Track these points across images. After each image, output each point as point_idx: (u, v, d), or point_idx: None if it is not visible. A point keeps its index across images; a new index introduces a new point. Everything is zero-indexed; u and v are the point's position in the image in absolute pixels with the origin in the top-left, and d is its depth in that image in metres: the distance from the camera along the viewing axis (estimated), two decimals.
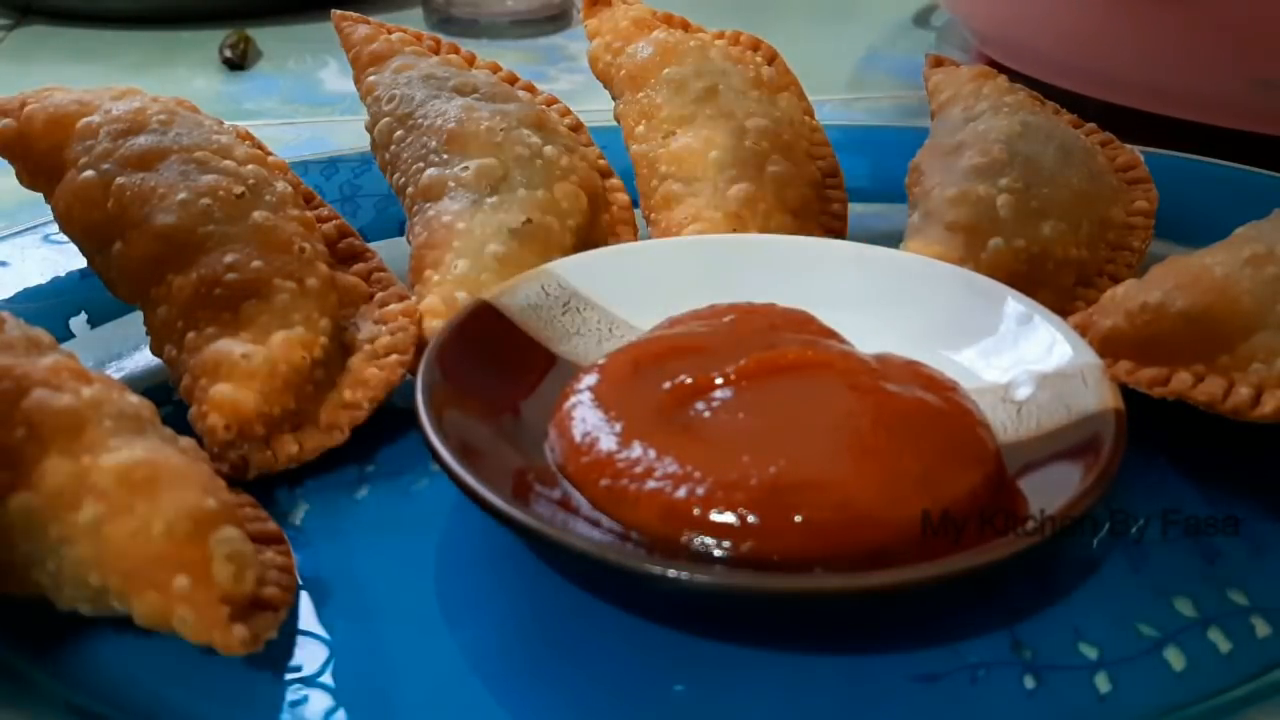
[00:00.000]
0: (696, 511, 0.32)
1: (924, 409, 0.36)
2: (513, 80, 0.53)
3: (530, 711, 0.32)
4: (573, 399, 0.37)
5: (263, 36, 0.92)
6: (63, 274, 0.50)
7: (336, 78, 0.85)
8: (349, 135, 0.70)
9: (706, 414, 0.36)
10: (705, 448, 0.34)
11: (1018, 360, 0.40)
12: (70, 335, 0.47)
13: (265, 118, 0.78)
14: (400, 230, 0.49)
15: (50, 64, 0.91)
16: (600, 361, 0.39)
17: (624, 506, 0.33)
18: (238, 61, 0.88)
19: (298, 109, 0.81)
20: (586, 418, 0.36)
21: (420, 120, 0.49)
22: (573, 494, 0.35)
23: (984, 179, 0.47)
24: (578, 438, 0.36)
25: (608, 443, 0.35)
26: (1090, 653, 0.33)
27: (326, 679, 0.32)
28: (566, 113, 0.53)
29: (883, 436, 0.35)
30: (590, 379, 0.38)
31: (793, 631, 0.34)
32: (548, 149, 0.48)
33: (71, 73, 0.87)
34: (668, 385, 0.37)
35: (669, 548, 0.32)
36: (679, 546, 0.32)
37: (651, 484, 0.33)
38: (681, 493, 0.33)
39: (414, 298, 0.44)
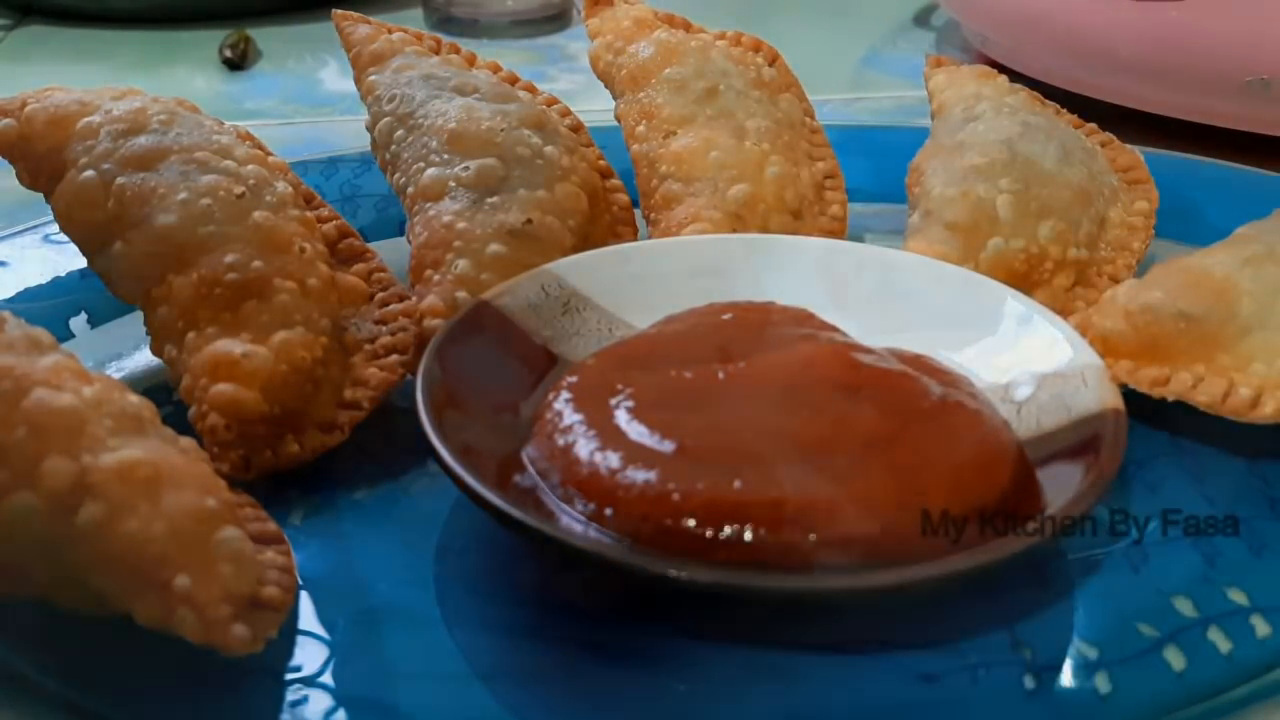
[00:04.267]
0: (671, 522, 0.32)
1: (938, 403, 0.36)
2: (513, 80, 0.53)
3: (530, 711, 0.32)
4: (553, 398, 0.37)
5: (263, 36, 0.92)
6: (63, 274, 0.50)
7: (336, 78, 0.85)
8: (349, 135, 0.70)
9: (698, 414, 0.36)
10: (691, 451, 0.34)
11: (1018, 360, 0.40)
12: (70, 335, 0.47)
13: (265, 118, 0.78)
14: (400, 230, 0.49)
15: (50, 64, 0.91)
16: (587, 361, 0.39)
17: (598, 512, 0.33)
18: (238, 61, 0.88)
19: (298, 109, 0.80)
20: (565, 418, 0.36)
21: (421, 120, 0.49)
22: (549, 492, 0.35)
23: (984, 179, 0.47)
24: (556, 440, 0.35)
25: (584, 447, 0.35)
26: (1090, 653, 0.33)
27: (326, 679, 0.32)
28: (567, 113, 0.53)
29: (889, 434, 0.35)
30: (573, 378, 0.38)
31: (793, 631, 0.34)
32: (548, 149, 0.48)
33: (71, 73, 0.87)
34: (655, 384, 0.37)
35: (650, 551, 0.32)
36: (659, 552, 0.32)
37: (627, 492, 0.33)
38: (660, 503, 0.32)
39: (414, 298, 0.44)
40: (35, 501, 0.31)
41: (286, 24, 0.97)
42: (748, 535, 0.32)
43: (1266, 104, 0.63)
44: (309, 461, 0.39)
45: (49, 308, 0.48)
